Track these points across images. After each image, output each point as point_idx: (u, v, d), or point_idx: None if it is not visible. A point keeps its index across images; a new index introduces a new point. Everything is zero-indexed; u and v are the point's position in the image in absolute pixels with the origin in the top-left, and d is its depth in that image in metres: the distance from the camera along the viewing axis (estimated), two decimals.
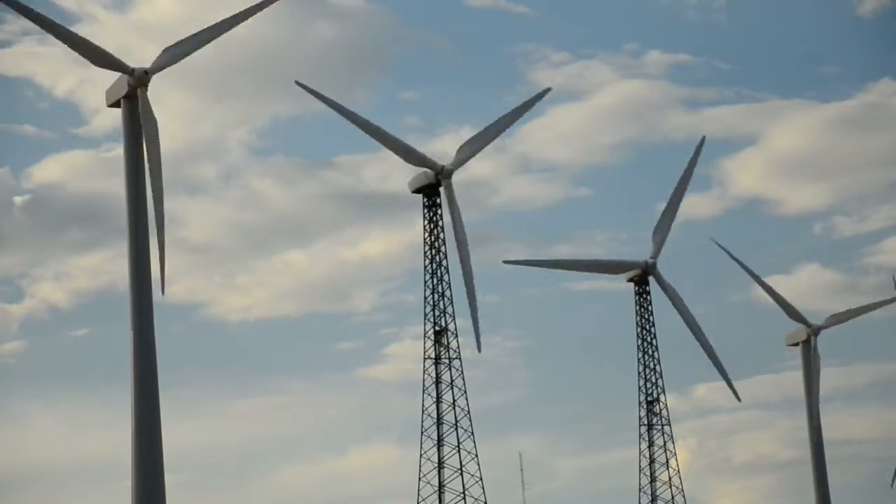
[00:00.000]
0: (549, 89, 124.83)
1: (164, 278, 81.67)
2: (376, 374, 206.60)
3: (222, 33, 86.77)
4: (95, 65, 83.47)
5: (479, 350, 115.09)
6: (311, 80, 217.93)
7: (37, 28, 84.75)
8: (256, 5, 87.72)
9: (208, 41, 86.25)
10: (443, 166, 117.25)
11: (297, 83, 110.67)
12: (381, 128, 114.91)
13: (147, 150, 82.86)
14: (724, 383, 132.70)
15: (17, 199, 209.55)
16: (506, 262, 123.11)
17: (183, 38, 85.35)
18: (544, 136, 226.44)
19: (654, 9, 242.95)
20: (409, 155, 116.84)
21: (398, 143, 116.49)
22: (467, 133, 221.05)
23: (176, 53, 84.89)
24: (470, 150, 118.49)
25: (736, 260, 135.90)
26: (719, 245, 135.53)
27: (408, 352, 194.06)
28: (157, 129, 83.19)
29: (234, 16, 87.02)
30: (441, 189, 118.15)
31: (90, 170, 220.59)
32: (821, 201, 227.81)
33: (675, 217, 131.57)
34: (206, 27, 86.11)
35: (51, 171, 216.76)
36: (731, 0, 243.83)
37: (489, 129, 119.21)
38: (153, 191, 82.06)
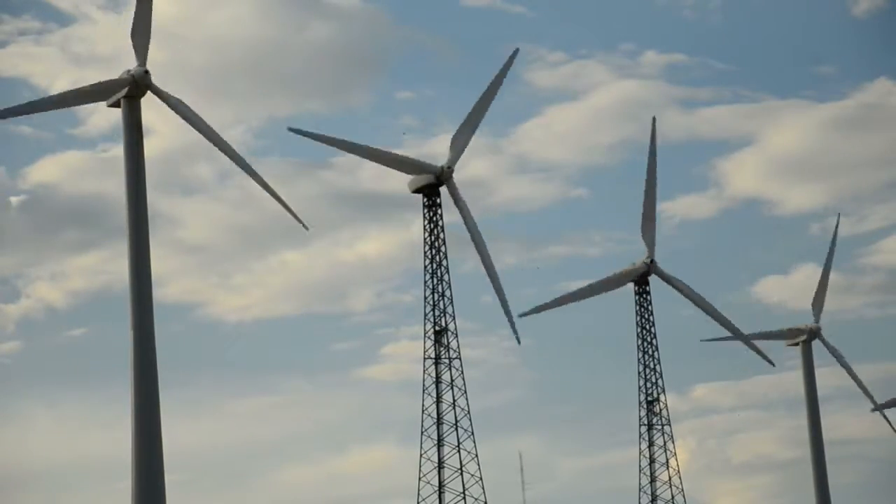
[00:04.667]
0: (517, 49, 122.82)
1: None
2: (374, 374, 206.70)
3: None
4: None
5: (518, 342, 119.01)
6: (308, 80, 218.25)
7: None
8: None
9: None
10: (442, 168, 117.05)
11: (290, 129, 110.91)
12: (377, 149, 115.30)
13: (197, 127, 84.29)
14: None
15: (14, 200, 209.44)
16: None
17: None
18: (541, 136, 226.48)
19: (650, 9, 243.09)
20: (408, 166, 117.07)
21: (396, 158, 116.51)
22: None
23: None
24: (461, 140, 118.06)
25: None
26: None
27: (405, 352, 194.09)
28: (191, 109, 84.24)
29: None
30: (441, 189, 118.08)
31: (86, 170, 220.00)
32: (818, 201, 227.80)
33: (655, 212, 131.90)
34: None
35: (47, 171, 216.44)
36: (726, 0, 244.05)
37: (472, 114, 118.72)
38: (227, 154, 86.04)
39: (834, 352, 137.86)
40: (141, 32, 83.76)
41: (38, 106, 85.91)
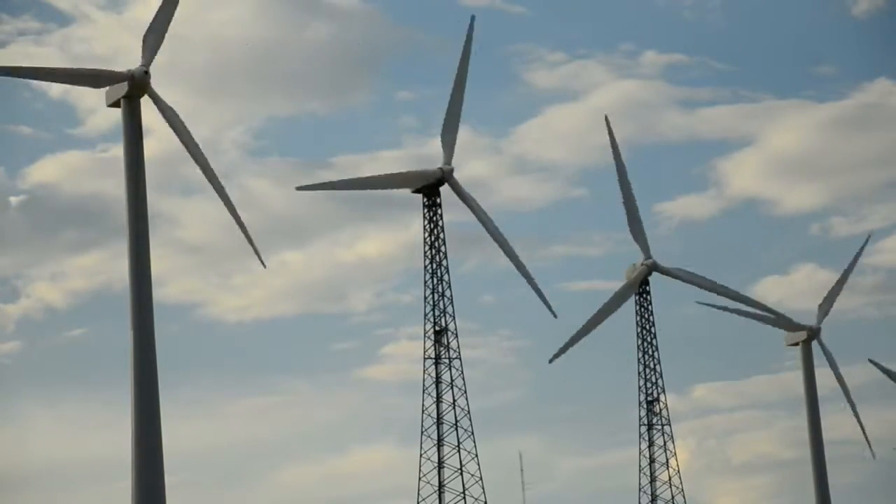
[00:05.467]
0: (473, 17, 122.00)
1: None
2: (373, 374, 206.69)
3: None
4: (98, 87, 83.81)
5: (555, 316, 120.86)
6: (308, 80, 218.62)
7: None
8: None
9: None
10: (440, 168, 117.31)
11: (298, 188, 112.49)
12: (370, 176, 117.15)
13: (181, 137, 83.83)
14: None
15: (13, 200, 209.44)
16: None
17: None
18: (540, 136, 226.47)
19: (649, 9, 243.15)
20: (409, 182, 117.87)
21: (395, 180, 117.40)
22: (464, 133, 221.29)
23: (155, 38, 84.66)
24: (449, 136, 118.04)
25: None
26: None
27: (404, 352, 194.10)
28: (180, 118, 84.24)
29: None
30: (442, 189, 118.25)
31: (86, 170, 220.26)
32: (817, 201, 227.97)
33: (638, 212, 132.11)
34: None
35: (46, 171, 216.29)
36: (726, 0, 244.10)
37: (452, 102, 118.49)
38: (203, 170, 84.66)
39: (829, 356, 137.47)
40: (156, 33, 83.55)
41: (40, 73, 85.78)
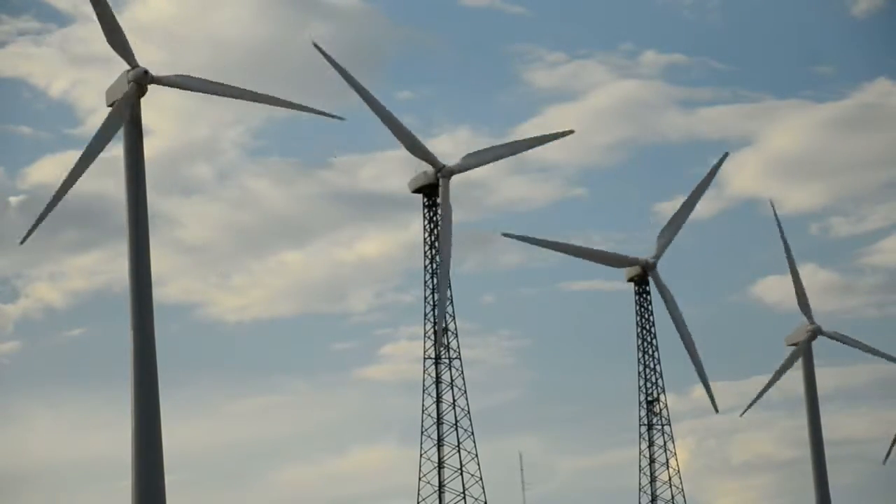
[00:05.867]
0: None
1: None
2: (373, 374, 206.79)
3: (248, 98, 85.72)
4: (109, 44, 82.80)
5: (438, 350, 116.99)
6: (306, 80, 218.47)
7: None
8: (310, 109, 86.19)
9: (231, 95, 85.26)
10: (444, 165, 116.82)
11: (315, 45, 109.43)
12: (391, 113, 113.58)
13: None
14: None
15: (13, 200, 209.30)
16: (504, 234, 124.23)
17: (220, 81, 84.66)
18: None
19: (649, 9, 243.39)
20: (414, 146, 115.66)
21: (405, 132, 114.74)
22: (464, 133, 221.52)
23: (191, 84, 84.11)
24: (478, 159, 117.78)
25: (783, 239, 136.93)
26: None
27: (404, 352, 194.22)
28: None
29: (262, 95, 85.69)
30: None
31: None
32: (817, 202, 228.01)
33: (684, 222, 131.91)
34: (237, 86, 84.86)
35: (46, 171, 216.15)
36: (725, 0, 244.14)
37: (504, 146, 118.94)
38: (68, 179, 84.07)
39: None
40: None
41: None
